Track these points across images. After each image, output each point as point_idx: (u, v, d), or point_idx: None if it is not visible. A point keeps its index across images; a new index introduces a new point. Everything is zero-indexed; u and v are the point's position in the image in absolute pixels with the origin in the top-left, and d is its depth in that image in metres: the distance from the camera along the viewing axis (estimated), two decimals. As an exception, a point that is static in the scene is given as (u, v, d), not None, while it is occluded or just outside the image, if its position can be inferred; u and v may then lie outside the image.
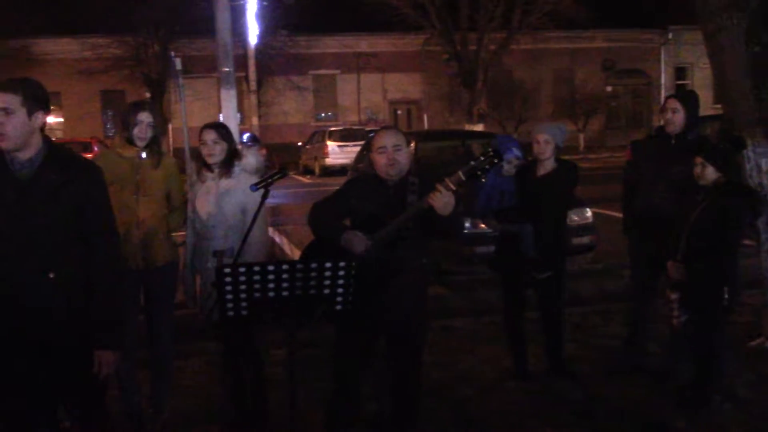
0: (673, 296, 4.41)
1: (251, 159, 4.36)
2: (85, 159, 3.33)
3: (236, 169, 4.29)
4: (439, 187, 3.43)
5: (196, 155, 4.38)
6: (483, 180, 3.50)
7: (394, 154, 3.69)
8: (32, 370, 3.08)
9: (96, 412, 3.31)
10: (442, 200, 3.42)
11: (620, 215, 5.28)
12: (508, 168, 4.77)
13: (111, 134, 30.24)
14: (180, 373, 5.18)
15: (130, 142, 4.25)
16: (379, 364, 4.15)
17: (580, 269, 7.64)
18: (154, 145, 4.30)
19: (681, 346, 4.78)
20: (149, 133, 4.24)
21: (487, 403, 4.75)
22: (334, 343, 3.90)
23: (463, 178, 3.43)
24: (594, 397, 4.77)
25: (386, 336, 3.86)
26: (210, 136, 4.29)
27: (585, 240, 7.82)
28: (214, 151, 4.27)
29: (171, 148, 27.59)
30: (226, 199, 4.24)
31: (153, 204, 4.27)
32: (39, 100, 3.07)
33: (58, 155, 3.13)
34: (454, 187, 3.43)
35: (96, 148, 23.03)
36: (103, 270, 3.13)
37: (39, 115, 3.06)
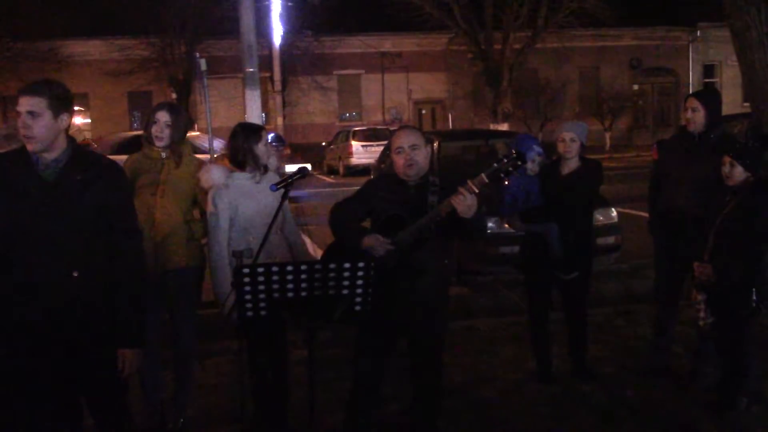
0: (700, 297, 4.34)
1: (272, 159, 4.33)
2: (109, 159, 3.36)
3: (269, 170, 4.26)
4: (462, 189, 3.41)
5: (230, 155, 4.29)
6: (506, 182, 3.47)
7: (412, 154, 3.68)
8: (57, 369, 3.10)
9: (117, 411, 3.32)
10: (465, 203, 3.40)
11: (645, 215, 5.21)
12: (532, 167, 4.72)
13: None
14: (203, 372, 5.21)
15: (150, 141, 4.27)
16: (399, 364, 4.13)
17: (605, 269, 7.56)
18: (176, 146, 4.29)
19: (707, 348, 4.71)
20: (166, 133, 4.22)
21: (509, 405, 4.71)
22: (354, 343, 3.89)
23: (486, 180, 3.41)
24: (618, 399, 4.71)
25: (407, 336, 3.84)
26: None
27: (610, 240, 7.73)
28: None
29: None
30: (264, 197, 4.13)
31: (172, 206, 4.24)
32: (64, 102, 3.13)
33: (82, 156, 3.18)
34: (477, 190, 3.41)
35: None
36: (126, 269, 3.17)
37: (64, 116, 3.12)
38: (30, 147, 3.06)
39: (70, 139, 3.20)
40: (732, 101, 23.76)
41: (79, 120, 31.17)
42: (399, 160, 3.71)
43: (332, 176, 25.41)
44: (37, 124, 3.02)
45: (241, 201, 4.14)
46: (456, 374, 5.09)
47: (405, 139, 3.71)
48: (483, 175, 3.42)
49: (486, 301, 7.19)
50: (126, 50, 28.07)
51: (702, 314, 4.38)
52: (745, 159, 4.23)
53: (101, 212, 3.11)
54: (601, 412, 4.55)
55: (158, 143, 4.25)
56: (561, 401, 4.74)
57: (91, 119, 30.93)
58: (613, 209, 7.92)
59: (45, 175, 3.08)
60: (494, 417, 4.56)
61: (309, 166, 4.17)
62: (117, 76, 28.49)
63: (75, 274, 3.04)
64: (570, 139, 4.78)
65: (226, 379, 5.29)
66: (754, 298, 4.20)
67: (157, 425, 4.41)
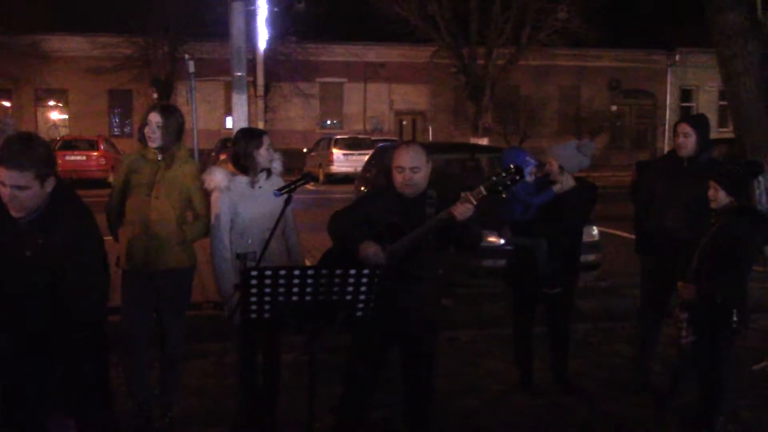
0: (682, 316, 4.45)
1: (278, 163, 4.42)
2: (78, 220, 3.13)
3: (263, 175, 4.32)
4: (461, 201, 3.48)
5: (218, 159, 4.39)
6: (503, 195, 3.55)
7: (411, 175, 3.70)
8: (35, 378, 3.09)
9: (99, 416, 3.32)
10: (464, 214, 3.47)
11: (623, 234, 5.33)
12: (529, 177, 4.82)
13: (117, 133, 30.39)
14: (188, 374, 5.22)
15: (143, 142, 4.31)
16: (390, 371, 4.19)
17: (584, 286, 7.67)
18: (168, 147, 4.31)
19: (687, 367, 4.82)
20: (158, 134, 4.25)
21: (494, 415, 4.79)
22: (347, 349, 3.94)
23: (484, 192, 3.48)
24: (599, 414, 4.80)
25: (400, 344, 3.90)
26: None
27: (591, 257, 7.85)
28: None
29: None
30: (263, 201, 4.22)
31: (166, 207, 4.27)
32: (49, 166, 2.99)
33: (53, 212, 3.03)
34: (475, 202, 3.47)
35: (102, 147, 23.13)
36: (65, 337, 2.98)
37: (50, 180, 3.00)
38: (15, 214, 2.96)
39: (54, 192, 3.07)
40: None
41: (56, 116, 30.94)
42: (398, 178, 3.75)
43: (312, 183, 25.27)
44: (24, 195, 2.92)
45: (241, 204, 4.22)
46: (440, 384, 5.15)
47: (408, 160, 3.71)
48: (482, 187, 3.49)
49: (467, 312, 7.27)
50: (108, 48, 27.84)
51: (683, 333, 4.47)
52: (728, 184, 4.35)
53: (55, 276, 2.98)
54: (582, 425, 4.64)
55: (150, 144, 4.28)
56: (544, 413, 4.83)
57: (69, 115, 30.64)
58: (594, 227, 8.04)
59: (20, 224, 2.99)
60: (478, 426, 4.63)
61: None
62: (98, 73, 28.24)
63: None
64: (549, 162, 4.90)
65: (209, 380, 5.31)
66: (735, 318, 4.31)
67: (142, 425, 4.42)
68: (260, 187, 4.27)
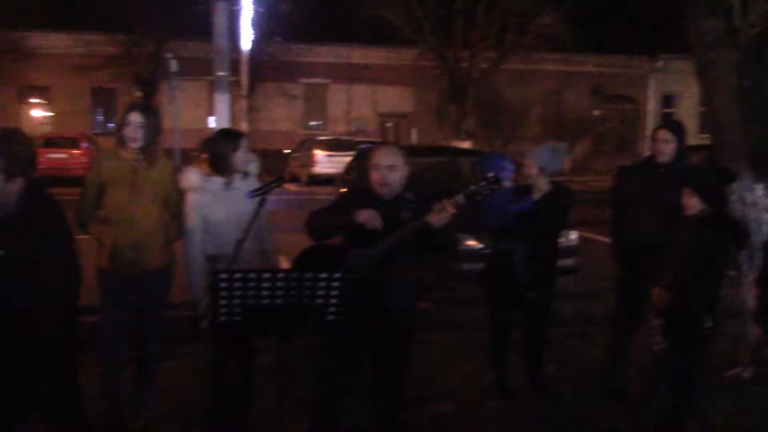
0: (656, 322, 4.48)
1: (254, 165, 4.40)
2: (49, 220, 3.15)
3: (238, 176, 4.29)
4: (439, 209, 3.48)
5: (204, 158, 4.34)
6: (483, 204, 3.55)
7: (387, 173, 3.71)
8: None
9: (67, 416, 3.28)
10: (441, 222, 3.48)
11: (603, 238, 5.35)
12: (507, 183, 4.84)
13: (99, 131, 30.17)
14: (164, 376, 5.18)
15: (123, 143, 4.27)
16: (362, 376, 4.18)
17: (562, 290, 7.70)
18: (148, 147, 4.28)
19: (660, 372, 4.84)
20: (140, 134, 4.22)
21: (467, 420, 4.80)
22: (320, 352, 3.93)
23: (462, 201, 3.49)
24: (574, 419, 4.82)
25: (374, 348, 3.89)
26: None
27: (569, 262, 7.87)
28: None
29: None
30: (237, 203, 4.19)
31: (147, 206, 4.25)
32: (20, 165, 2.99)
33: (24, 212, 3.01)
34: (453, 210, 3.48)
35: (84, 145, 22.99)
36: (34, 335, 2.99)
37: (18, 180, 2.98)
38: None
39: (25, 194, 3.05)
40: (689, 132, 24.27)
41: (39, 113, 30.68)
42: (374, 176, 3.76)
43: (295, 184, 25.36)
44: None
45: (214, 205, 4.20)
46: (415, 388, 5.14)
47: (383, 158, 3.74)
48: (460, 195, 3.50)
49: (445, 316, 7.27)
50: (92, 45, 27.66)
51: (657, 339, 4.51)
52: (702, 191, 4.39)
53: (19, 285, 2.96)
54: (557, 429, 4.65)
55: (132, 144, 4.24)
56: (518, 417, 4.84)
57: (52, 113, 30.39)
58: (573, 232, 8.07)
59: None
60: (451, 430, 4.63)
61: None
62: (81, 71, 28.03)
63: None
64: (526, 165, 4.92)
65: (185, 382, 5.28)
66: (708, 324, 4.35)
67: (115, 427, 4.39)
68: (235, 189, 4.25)
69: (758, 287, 4.71)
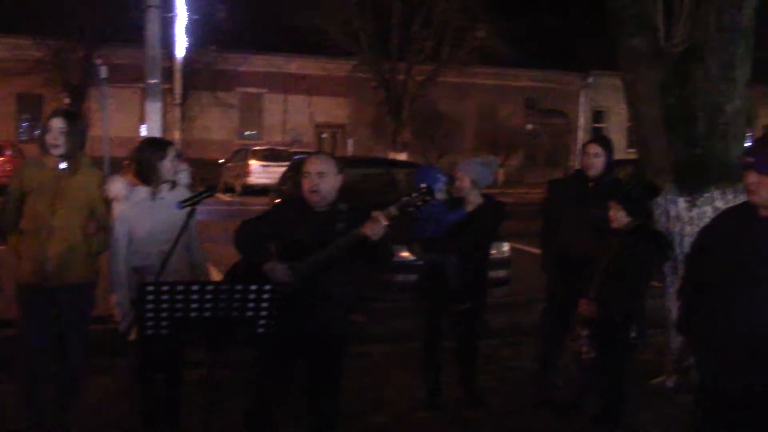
0: (584, 333, 4.57)
1: (184, 175, 4.31)
2: None
3: (165, 186, 4.21)
4: (372, 221, 3.48)
5: (131, 167, 4.23)
6: (417, 216, 3.57)
7: (317, 181, 3.68)
8: None
9: None
10: (375, 234, 3.47)
11: (535, 250, 5.44)
12: (440, 194, 4.87)
13: (25, 138, 29.22)
14: (88, 391, 5.03)
15: (45, 150, 4.13)
16: (296, 388, 4.14)
17: (494, 302, 7.78)
18: (72, 154, 4.14)
19: (588, 382, 4.94)
20: (62, 141, 4.08)
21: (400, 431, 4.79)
22: (253, 365, 3.87)
23: (395, 213, 3.50)
24: (505, 429, 4.86)
25: (308, 360, 3.85)
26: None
27: (501, 273, 7.98)
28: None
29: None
30: (164, 214, 4.10)
31: (71, 216, 4.11)
32: None
33: None
34: (386, 222, 3.48)
35: (9, 152, 22.24)
36: None
37: None
38: None
39: None
40: (617, 147, 24.97)
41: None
42: (305, 184, 3.73)
43: (228, 194, 25.06)
44: None
45: (140, 216, 4.10)
46: (348, 400, 5.12)
47: (314, 166, 3.72)
48: (393, 207, 3.50)
49: (380, 327, 7.27)
50: (18, 50, 26.81)
51: (585, 349, 4.60)
52: (627, 205, 4.50)
53: None
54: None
55: (54, 152, 4.10)
56: (451, 428, 4.86)
57: (-26, 119, 29.32)
58: (505, 244, 8.18)
59: None
60: (385, 443, 4.63)
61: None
62: (6, 76, 27.12)
63: None
64: (460, 177, 4.98)
65: (110, 397, 5.13)
66: (633, 334, 4.46)
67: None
68: (162, 199, 4.16)
69: (680, 298, 4.85)
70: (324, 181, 3.70)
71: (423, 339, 5.28)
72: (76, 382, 4.40)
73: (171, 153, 4.19)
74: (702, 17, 5.21)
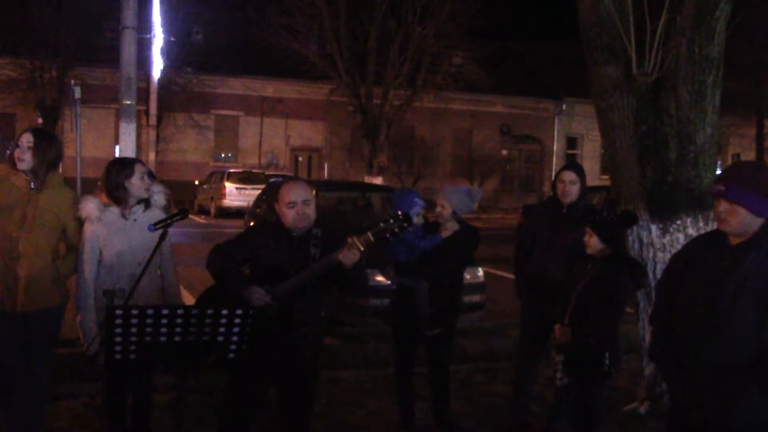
0: (558, 358, 4.56)
1: (159, 196, 4.24)
2: None
3: (139, 208, 4.16)
4: (348, 246, 3.48)
5: (103, 188, 4.18)
6: (393, 242, 3.57)
7: (304, 209, 3.71)
8: None
9: None
10: (351, 260, 3.47)
11: (509, 275, 5.45)
12: (417, 219, 4.86)
13: (-3, 158, 28.83)
14: (55, 416, 4.93)
15: (13, 165, 4.06)
16: (265, 413, 4.09)
17: (468, 327, 7.78)
18: (38, 171, 4.05)
19: (562, 407, 4.92)
20: (28, 155, 4.00)
21: (373, 458, 4.74)
22: (223, 390, 3.82)
23: (372, 239, 3.50)
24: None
25: (279, 384, 3.81)
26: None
27: (475, 298, 7.99)
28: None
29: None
30: (134, 234, 4.06)
31: (39, 239, 4.01)
32: None
33: None
34: (362, 248, 3.48)
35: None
36: None
37: None
38: None
39: None
40: (590, 173, 25.42)
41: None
42: (290, 214, 3.72)
43: (203, 217, 24.92)
44: None
45: (111, 237, 4.04)
46: (321, 426, 5.07)
47: (299, 194, 3.73)
48: (369, 233, 3.51)
49: (353, 352, 7.22)
50: (-10, 69, 26.61)
51: (559, 374, 4.59)
52: (601, 231, 4.52)
53: None
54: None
55: (20, 165, 4.01)
56: (423, 455, 4.82)
57: (-55, 137, 28.90)
58: (479, 269, 8.20)
59: None
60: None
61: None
62: (-22, 95, 26.87)
63: None
64: (441, 205, 4.98)
65: (78, 422, 5.03)
66: (607, 361, 4.46)
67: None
68: (135, 220, 4.10)
69: (652, 324, 4.87)
70: (309, 207, 3.74)
71: (395, 364, 5.25)
72: (42, 409, 4.28)
73: (138, 171, 4.13)
74: (673, 47, 5.29)
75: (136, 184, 4.09)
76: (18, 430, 4.22)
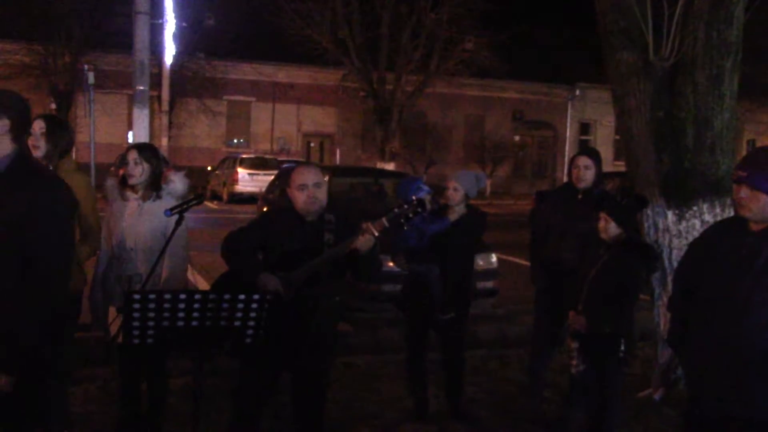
0: (573, 345, 4.55)
1: (178, 184, 4.25)
2: (46, 177, 3.03)
3: (162, 193, 4.17)
4: (363, 232, 3.47)
5: (117, 174, 4.24)
6: (405, 227, 3.57)
7: (315, 192, 3.70)
8: None
9: None
10: (365, 246, 3.47)
11: (523, 261, 5.43)
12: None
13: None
14: (72, 400, 4.96)
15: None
16: (278, 399, 4.10)
17: (482, 313, 7.78)
18: (52, 157, 4.07)
19: (578, 394, 4.92)
20: (42, 142, 4.03)
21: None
22: (237, 375, 3.83)
23: (386, 224, 3.50)
24: (491, 441, 4.84)
25: (293, 370, 3.82)
26: (132, 155, 4.15)
27: (489, 284, 7.98)
28: (134, 172, 4.13)
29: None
30: (147, 220, 4.08)
31: None
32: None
33: (20, 168, 2.86)
34: (377, 233, 3.48)
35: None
36: (28, 294, 2.77)
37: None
38: None
39: (19, 150, 2.92)
40: (604, 159, 25.21)
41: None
42: (301, 197, 3.71)
43: (215, 202, 24.98)
44: None
45: (127, 222, 4.06)
46: (334, 411, 5.08)
47: (309, 177, 3.73)
48: (384, 219, 3.50)
49: (366, 338, 7.24)
50: (4, 54, 26.64)
51: (574, 362, 4.58)
52: (618, 216, 4.50)
53: (16, 229, 2.76)
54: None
55: (34, 152, 4.03)
56: (437, 441, 4.83)
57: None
58: (493, 255, 8.18)
59: None
60: (371, 455, 4.59)
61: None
62: (-8, 80, 26.96)
63: None
64: (453, 188, 4.96)
65: (94, 406, 5.07)
66: (622, 348, 4.44)
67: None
68: (150, 206, 4.11)
69: (670, 311, 4.85)
70: (320, 191, 3.73)
71: (407, 350, 5.25)
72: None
73: (132, 156, 4.16)
74: (691, 32, 5.24)
75: (131, 170, 4.14)
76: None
